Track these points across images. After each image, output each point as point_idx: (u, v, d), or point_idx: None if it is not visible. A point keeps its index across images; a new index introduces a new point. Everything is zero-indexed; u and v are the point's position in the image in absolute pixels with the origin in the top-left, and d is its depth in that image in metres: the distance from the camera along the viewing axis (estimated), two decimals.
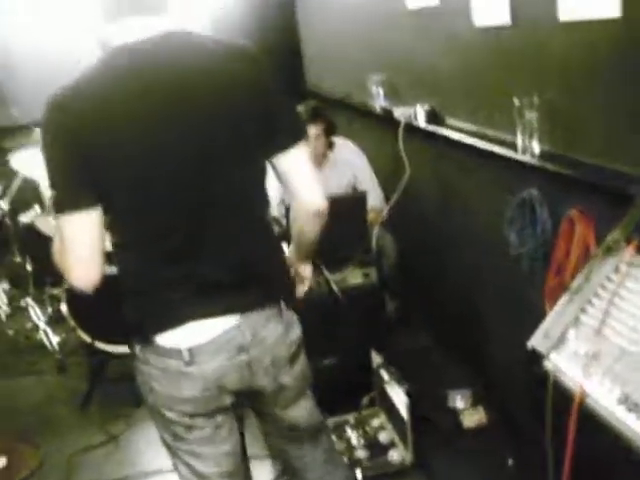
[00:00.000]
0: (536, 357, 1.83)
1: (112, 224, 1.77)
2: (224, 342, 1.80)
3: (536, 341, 1.84)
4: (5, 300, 4.92)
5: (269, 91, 1.79)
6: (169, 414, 1.86)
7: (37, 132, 4.79)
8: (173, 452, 1.97)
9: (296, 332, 1.97)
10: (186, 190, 1.71)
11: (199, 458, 1.93)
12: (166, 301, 1.78)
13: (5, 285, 5.08)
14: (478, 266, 3.23)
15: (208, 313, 1.79)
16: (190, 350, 1.78)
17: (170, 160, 1.67)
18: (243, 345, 1.82)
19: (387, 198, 3.80)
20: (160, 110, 1.64)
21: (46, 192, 3.84)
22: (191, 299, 1.78)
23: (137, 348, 1.86)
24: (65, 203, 1.65)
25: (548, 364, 1.77)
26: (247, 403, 2.02)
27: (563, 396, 1.70)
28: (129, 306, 1.89)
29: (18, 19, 6.02)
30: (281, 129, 1.80)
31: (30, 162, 4.37)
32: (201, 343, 1.78)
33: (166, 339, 1.78)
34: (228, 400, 1.89)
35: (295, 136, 1.82)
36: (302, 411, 2.07)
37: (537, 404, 1.90)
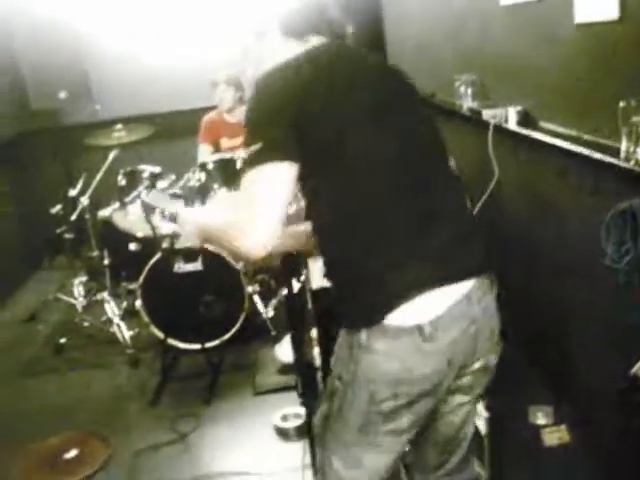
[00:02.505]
0: (638, 385, 1.68)
1: (328, 190, 1.74)
2: (459, 312, 1.71)
3: None
4: (82, 293, 4.99)
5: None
6: (385, 398, 1.72)
7: (116, 128, 4.87)
8: (340, 453, 1.85)
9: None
10: (405, 154, 1.77)
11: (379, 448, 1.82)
12: (401, 274, 1.68)
13: (83, 278, 5.17)
14: (568, 278, 3.05)
15: (448, 278, 1.70)
16: (432, 323, 1.67)
17: (389, 118, 1.78)
18: (474, 315, 1.74)
19: (472, 201, 3.65)
20: (365, 79, 1.83)
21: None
22: (428, 262, 1.70)
23: (362, 335, 1.71)
24: (272, 151, 1.65)
25: None
26: None
27: None
28: (353, 290, 1.76)
29: (112, 22, 6.15)
30: None
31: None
32: (438, 315, 1.67)
33: (401, 317, 1.66)
34: (451, 378, 1.78)
35: None
36: (478, 409, 2.09)
37: (634, 433, 1.76)
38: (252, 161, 1.65)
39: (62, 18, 5.68)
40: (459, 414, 1.93)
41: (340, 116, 1.70)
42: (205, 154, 4.96)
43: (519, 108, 3.18)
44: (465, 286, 1.72)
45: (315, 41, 1.89)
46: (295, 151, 1.65)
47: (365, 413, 1.75)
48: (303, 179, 1.71)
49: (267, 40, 1.91)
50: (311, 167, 1.69)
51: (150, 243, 4.21)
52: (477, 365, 1.83)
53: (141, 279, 4.19)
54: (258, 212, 1.63)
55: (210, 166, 4.22)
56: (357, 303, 1.75)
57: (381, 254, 1.70)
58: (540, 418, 3.12)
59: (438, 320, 1.66)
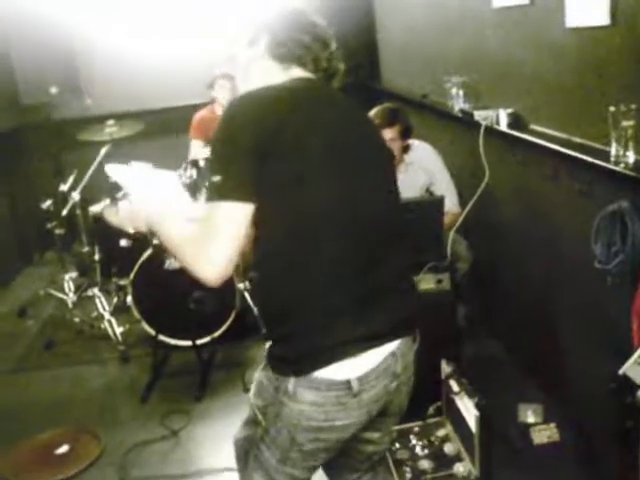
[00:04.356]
0: (628, 385, 1.71)
1: (275, 232, 1.72)
2: (384, 370, 1.75)
3: (630, 369, 1.72)
4: (72, 288, 4.99)
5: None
6: (305, 443, 1.77)
7: (108, 124, 4.86)
8: (263, 472, 1.89)
9: None
10: (355, 209, 1.74)
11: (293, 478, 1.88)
12: (335, 330, 1.69)
13: (73, 274, 5.17)
14: (558, 278, 3.09)
15: (373, 342, 1.73)
16: (359, 380, 1.70)
17: (343, 180, 1.74)
18: (396, 372, 1.79)
19: (463, 202, 3.69)
20: (336, 135, 1.77)
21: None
22: (358, 327, 1.70)
23: (289, 382, 1.72)
24: (235, 191, 1.64)
25: None
26: None
27: None
28: (285, 335, 1.76)
29: (103, 17, 6.14)
30: None
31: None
32: (367, 372, 1.71)
33: (331, 371, 1.68)
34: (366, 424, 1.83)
35: None
36: (389, 438, 2.05)
37: (623, 433, 1.79)
38: (212, 193, 1.66)
39: (54, 13, 5.68)
40: (370, 446, 1.99)
41: (302, 164, 1.69)
42: (197, 150, 4.97)
43: (510, 110, 3.22)
44: (392, 345, 1.77)
45: (298, 74, 1.88)
46: (253, 191, 1.65)
47: (285, 451, 1.80)
48: (256, 216, 1.70)
49: (256, 51, 1.89)
50: (264, 207, 1.67)
51: (141, 239, 4.21)
52: (392, 411, 1.90)
53: (132, 275, 4.19)
54: (212, 248, 1.64)
55: (201, 163, 4.23)
56: (288, 350, 1.75)
57: (317, 310, 1.71)
58: (530, 416, 3.17)
59: (366, 376, 1.71)
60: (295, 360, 1.72)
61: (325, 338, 1.69)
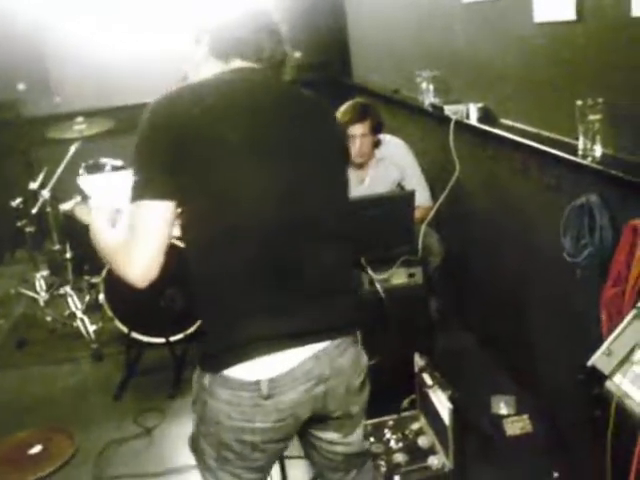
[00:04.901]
0: (596, 376, 1.74)
1: (191, 228, 1.70)
2: (302, 373, 1.71)
3: (598, 360, 1.75)
4: (44, 287, 4.94)
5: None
6: (231, 443, 1.75)
7: (78, 121, 4.82)
8: (211, 472, 1.86)
9: (364, 358, 1.90)
10: (276, 206, 1.69)
11: (240, 478, 1.84)
12: (246, 330, 1.68)
13: (44, 272, 5.11)
14: (528, 271, 3.13)
15: (289, 344, 1.69)
16: (270, 382, 1.67)
17: (265, 176, 1.70)
18: (322, 376, 1.74)
19: (434, 196, 3.71)
20: (260, 128, 1.71)
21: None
22: (271, 328, 1.68)
23: (206, 379, 1.73)
24: (149, 189, 1.62)
25: (611, 385, 1.68)
26: (305, 427, 1.88)
27: (627, 420, 1.61)
28: (204, 331, 1.78)
29: (71, 13, 6.06)
30: None
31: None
32: (280, 374, 1.68)
33: (242, 371, 1.67)
34: (297, 428, 1.80)
35: None
36: (356, 438, 1.97)
37: (592, 423, 1.82)
38: (132, 192, 1.64)
39: (23, 10, 5.63)
40: (338, 447, 1.94)
41: (218, 157, 1.67)
42: None
43: (480, 105, 3.24)
44: (314, 348, 1.73)
45: (237, 65, 1.82)
46: (170, 188, 1.63)
47: (217, 449, 1.78)
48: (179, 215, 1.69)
49: (201, 49, 1.86)
50: (182, 204, 1.66)
51: None
52: (336, 414, 1.84)
53: (104, 273, 4.17)
54: (133, 249, 1.63)
55: None
56: (205, 346, 1.77)
57: (230, 306, 1.70)
58: (502, 408, 3.19)
59: (278, 379, 1.68)
60: (210, 356, 1.73)
61: (236, 337, 1.68)
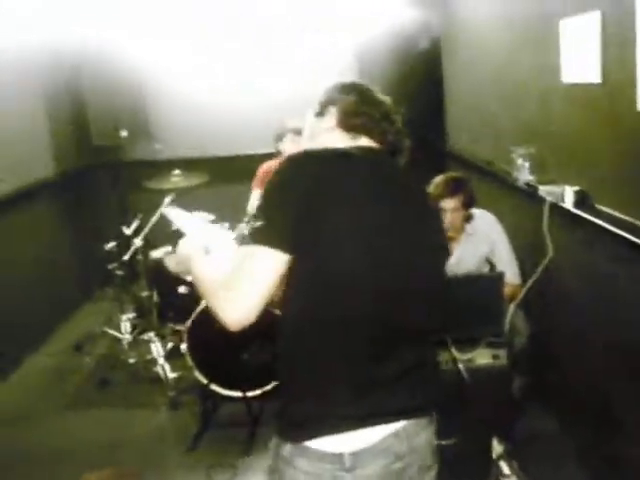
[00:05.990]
0: None
1: (294, 288, 1.72)
2: (382, 449, 1.71)
3: None
4: (128, 329, 5.09)
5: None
6: None
7: (174, 174, 4.96)
8: None
9: (434, 438, 1.90)
10: (381, 278, 1.72)
11: None
12: (339, 403, 1.70)
13: (130, 314, 5.27)
14: (618, 360, 3.03)
15: (377, 421, 1.70)
16: (353, 455, 1.68)
17: (375, 248, 1.73)
18: (399, 453, 1.74)
19: (523, 274, 3.65)
20: (377, 202, 1.77)
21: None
22: (363, 404, 1.70)
23: (286, 449, 1.74)
24: (271, 237, 1.66)
25: None
26: None
27: None
28: (288, 398, 1.79)
29: (173, 61, 6.30)
30: None
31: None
32: (362, 449, 1.69)
33: (326, 443, 1.68)
34: None
35: None
36: None
37: None
38: (252, 236, 1.67)
39: (127, 57, 5.88)
40: None
41: (335, 228, 1.69)
42: (256, 202, 5.02)
43: (576, 188, 3.18)
44: (395, 426, 1.73)
45: (364, 142, 1.92)
46: (291, 243, 1.65)
47: None
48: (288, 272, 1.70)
49: (326, 121, 1.96)
50: (295, 263, 1.68)
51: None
52: None
53: (189, 323, 4.24)
54: (237, 291, 1.65)
55: None
56: (288, 415, 1.77)
57: (324, 375, 1.71)
58: None
59: (360, 453, 1.68)
60: (294, 425, 1.73)
61: (328, 409, 1.69)
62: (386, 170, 1.89)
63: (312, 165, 1.74)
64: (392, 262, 1.75)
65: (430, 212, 1.99)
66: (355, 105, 1.94)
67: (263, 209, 1.71)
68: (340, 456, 1.67)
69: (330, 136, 1.95)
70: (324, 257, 1.68)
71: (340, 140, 1.92)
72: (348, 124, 1.93)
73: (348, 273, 1.69)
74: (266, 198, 1.72)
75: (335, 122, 1.94)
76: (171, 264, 4.00)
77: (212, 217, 4.60)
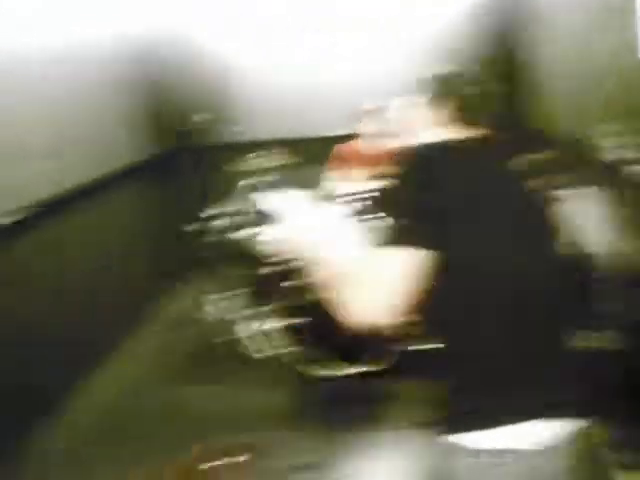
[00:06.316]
0: None
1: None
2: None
3: None
4: (222, 310, 5.13)
5: None
6: None
7: (254, 156, 5.02)
8: None
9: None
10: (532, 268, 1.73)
11: None
12: (504, 395, 1.69)
13: (221, 295, 5.28)
14: None
15: (530, 417, 1.68)
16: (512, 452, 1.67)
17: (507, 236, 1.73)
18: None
19: None
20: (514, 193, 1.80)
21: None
22: (526, 397, 1.69)
23: (445, 441, 1.74)
24: (415, 236, 1.62)
25: None
26: None
27: None
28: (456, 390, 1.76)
29: (257, 42, 6.35)
30: None
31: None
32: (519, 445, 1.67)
33: (484, 438, 1.68)
34: None
35: None
36: None
37: None
38: (392, 236, 1.63)
39: (208, 41, 6.04)
40: None
41: (479, 222, 1.68)
42: (332, 183, 5.04)
43: None
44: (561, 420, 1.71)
45: (474, 132, 1.90)
46: (435, 241, 1.62)
47: None
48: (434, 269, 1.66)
49: (418, 107, 1.97)
50: (444, 260, 1.64)
51: (287, 266, 4.21)
52: None
53: (280, 301, 4.30)
54: (378, 291, 1.60)
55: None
56: (455, 406, 1.76)
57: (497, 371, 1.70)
58: None
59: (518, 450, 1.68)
60: (457, 417, 1.72)
61: (492, 402, 1.68)
62: (502, 158, 1.87)
63: (447, 161, 1.73)
64: (531, 249, 1.74)
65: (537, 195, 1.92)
66: (472, 96, 1.94)
67: (394, 207, 1.68)
68: (501, 452, 1.67)
69: (423, 119, 1.95)
70: (473, 249, 1.65)
71: (455, 131, 1.91)
72: (465, 115, 1.92)
73: (498, 262, 1.67)
74: (402, 198, 1.68)
75: (452, 113, 1.93)
76: (257, 244, 3.75)
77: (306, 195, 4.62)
